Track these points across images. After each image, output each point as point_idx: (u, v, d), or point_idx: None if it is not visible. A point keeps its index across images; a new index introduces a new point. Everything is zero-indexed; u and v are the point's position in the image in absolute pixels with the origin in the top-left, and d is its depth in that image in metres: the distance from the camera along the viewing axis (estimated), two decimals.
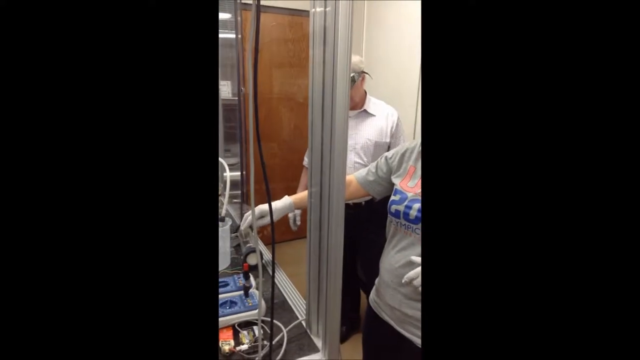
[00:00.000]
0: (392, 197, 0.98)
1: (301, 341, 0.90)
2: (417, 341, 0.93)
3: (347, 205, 1.68)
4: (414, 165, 0.99)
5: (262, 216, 1.08)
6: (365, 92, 1.71)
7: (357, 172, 1.13)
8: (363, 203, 1.71)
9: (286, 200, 1.13)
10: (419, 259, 0.86)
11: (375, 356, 1.16)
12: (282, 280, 1.19)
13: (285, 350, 0.85)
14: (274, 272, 0.79)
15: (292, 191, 1.21)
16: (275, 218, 1.11)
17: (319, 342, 0.89)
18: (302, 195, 1.14)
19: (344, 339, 1.96)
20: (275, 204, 1.11)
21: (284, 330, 0.90)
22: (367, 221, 1.69)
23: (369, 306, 1.11)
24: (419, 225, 0.88)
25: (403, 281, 0.85)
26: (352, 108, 1.67)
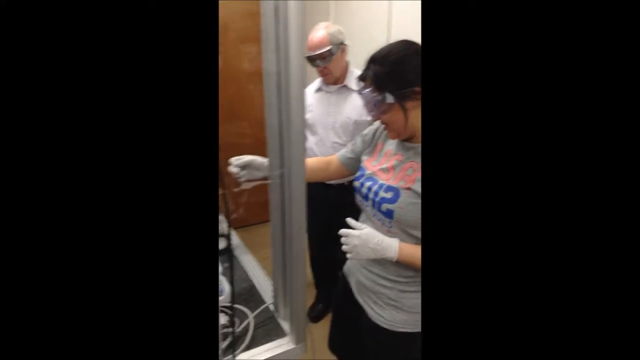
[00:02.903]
0: (357, 173, 0.99)
1: (268, 326, 0.89)
2: (370, 312, 0.94)
3: (330, 185, 1.62)
4: (383, 142, 0.97)
5: (247, 166, 0.97)
6: (348, 65, 1.57)
7: (339, 152, 1.10)
8: (346, 183, 1.54)
9: None
10: (353, 221, 0.86)
11: (338, 321, 1.17)
12: (251, 265, 1.17)
13: (252, 336, 0.84)
14: (232, 255, 0.76)
15: None
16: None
17: (286, 326, 0.88)
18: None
19: (320, 316, 1.97)
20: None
21: (250, 316, 0.88)
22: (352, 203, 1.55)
23: (342, 273, 1.11)
24: (369, 203, 0.91)
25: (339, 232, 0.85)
26: (333, 83, 1.56)
